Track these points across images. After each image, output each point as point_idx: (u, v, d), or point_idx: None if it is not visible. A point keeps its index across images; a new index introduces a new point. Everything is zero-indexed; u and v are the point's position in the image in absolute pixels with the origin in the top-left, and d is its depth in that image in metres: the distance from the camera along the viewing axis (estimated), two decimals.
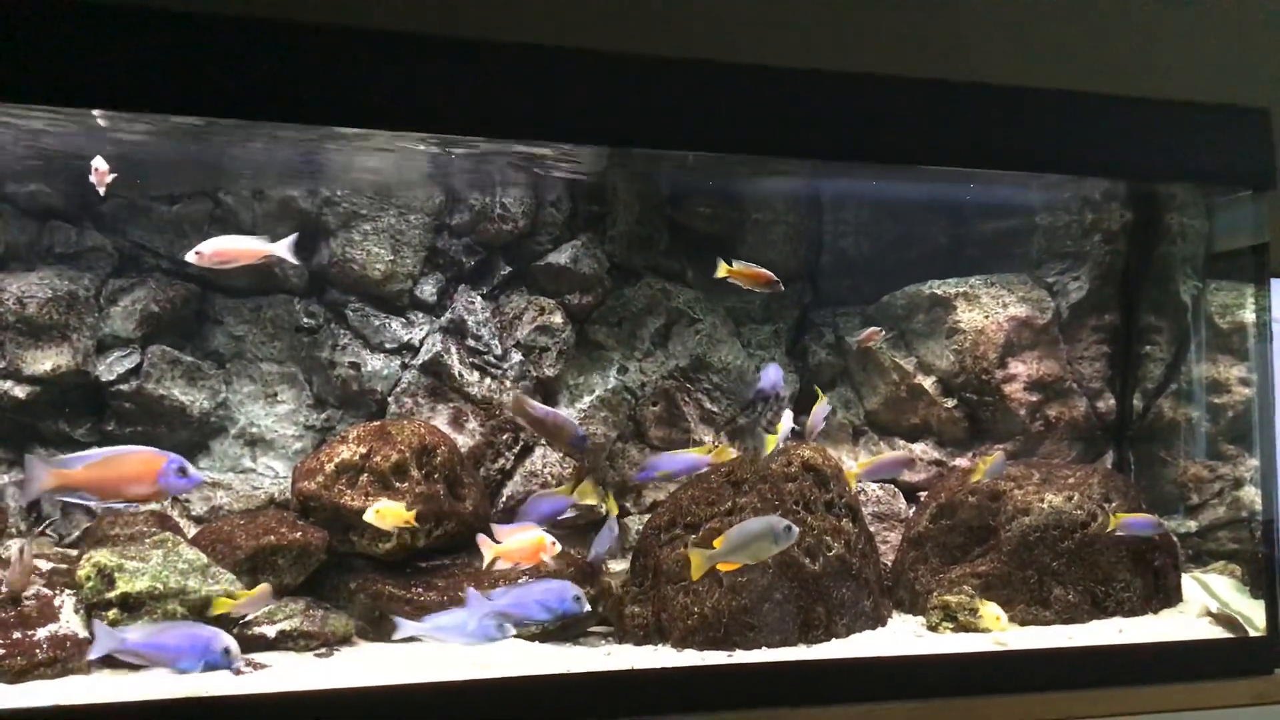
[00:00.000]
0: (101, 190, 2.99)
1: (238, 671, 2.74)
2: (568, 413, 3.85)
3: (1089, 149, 3.29)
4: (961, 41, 3.72)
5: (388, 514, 3.19)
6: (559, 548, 3.09)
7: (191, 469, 2.73)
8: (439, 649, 3.16)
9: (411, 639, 2.96)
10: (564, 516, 3.61)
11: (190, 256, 3.13)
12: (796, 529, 2.96)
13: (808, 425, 3.71)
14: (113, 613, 2.85)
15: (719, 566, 3.02)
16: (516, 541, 3.11)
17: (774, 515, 3.07)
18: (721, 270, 3.48)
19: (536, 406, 3.47)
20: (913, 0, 3.65)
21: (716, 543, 2.97)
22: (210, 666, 2.62)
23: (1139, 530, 3.50)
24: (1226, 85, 3.80)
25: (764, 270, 3.53)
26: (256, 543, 3.19)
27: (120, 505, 3.11)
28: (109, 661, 2.84)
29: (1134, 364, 4.28)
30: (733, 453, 3.54)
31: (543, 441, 3.96)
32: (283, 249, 3.24)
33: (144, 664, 2.66)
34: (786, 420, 3.54)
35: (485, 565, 3.12)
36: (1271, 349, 3.55)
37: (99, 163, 2.98)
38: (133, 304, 3.71)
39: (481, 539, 3.13)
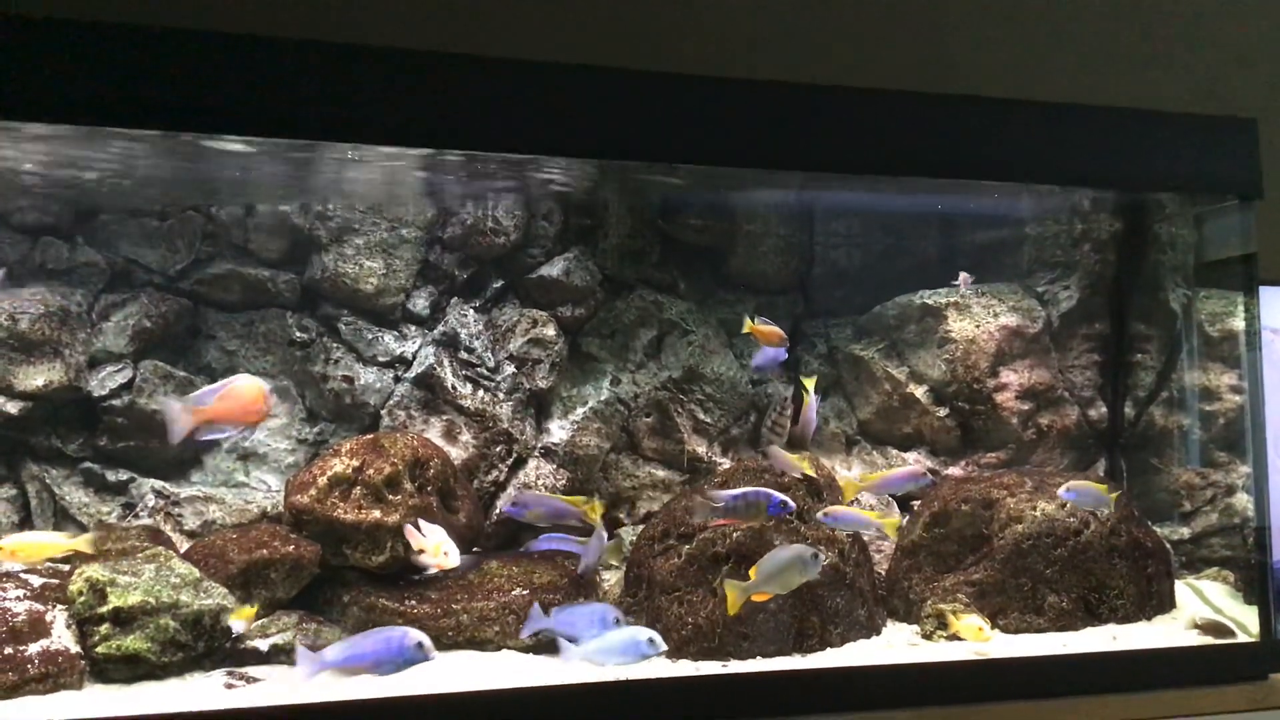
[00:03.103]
0: None
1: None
2: (591, 441, 3.91)
3: (1078, 159, 3.31)
4: (951, 54, 3.75)
5: (27, 550, 2.88)
6: (275, 399, 3.08)
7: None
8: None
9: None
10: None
11: None
12: (823, 556, 2.97)
13: (800, 423, 3.71)
14: (104, 627, 2.84)
15: (754, 597, 3.04)
16: (220, 399, 2.87)
17: (801, 544, 3.09)
18: (746, 326, 3.74)
19: (718, 497, 3.23)
20: (901, 15, 3.68)
21: (752, 572, 2.99)
22: (408, 663, 2.66)
23: (896, 486, 3.69)
24: (1215, 95, 3.84)
25: (778, 330, 3.77)
26: (249, 557, 3.19)
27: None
28: (101, 676, 2.83)
29: (1125, 372, 4.30)
30: (600, 509, 3.52)
31: (538, 453, 3.96)
32: None
33: (349, 676, 2.67)
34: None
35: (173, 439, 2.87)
36: (1261, 356, 3.57)
37: None
38: (125, 319, 3.70)
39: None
